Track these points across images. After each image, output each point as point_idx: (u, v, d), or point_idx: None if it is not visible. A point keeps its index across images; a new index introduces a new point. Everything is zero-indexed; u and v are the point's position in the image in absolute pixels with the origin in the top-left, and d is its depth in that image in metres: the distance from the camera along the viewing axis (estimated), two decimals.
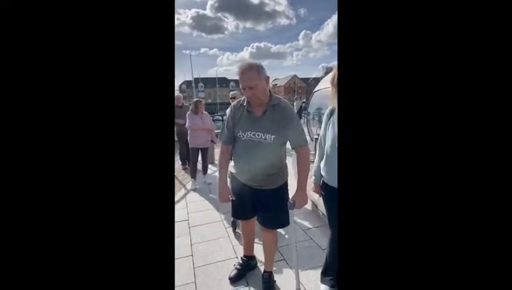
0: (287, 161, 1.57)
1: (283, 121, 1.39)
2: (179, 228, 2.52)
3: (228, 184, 1.58)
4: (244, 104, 1.45)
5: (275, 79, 61.97)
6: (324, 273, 1.62)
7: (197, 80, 37.79)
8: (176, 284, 1.75)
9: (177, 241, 2.29)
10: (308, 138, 6.12)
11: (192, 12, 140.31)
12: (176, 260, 2.01)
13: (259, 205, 1.54)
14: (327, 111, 1.45)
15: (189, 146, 3.70)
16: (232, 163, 1.56)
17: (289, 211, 1.47)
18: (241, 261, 1.85)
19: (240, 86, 1.38)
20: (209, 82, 51.40)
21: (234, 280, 1.74)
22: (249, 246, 1.86)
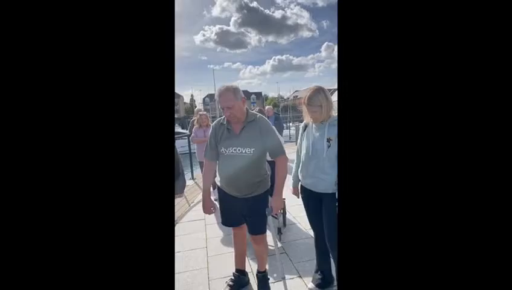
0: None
1: (260, 134, 1.54)
2: (197, 225, 2.91)
3: (215, 196, 1.74)
4: (224, 122, 1.60)
5: (296, 91, 62.17)
6: (316, 271, 1.81)
7: None
8: (192, 269, 2.11)
9: (196, 235, 2.68)
10: None
11: (217, 28, 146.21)
12: (193, 250, 2.39)
13: (247, 212, 1.65)
14: (302, 125, 1.69)
15: (198, 160, 3.76)
16: (218, 177, 1.70)
17: (267, 216, 1.57)
18: (233, 277, 1.85)
19: (219, 106, 1.55)
20: None
21: None
22: (241, 257, 1.87)
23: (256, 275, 1.85)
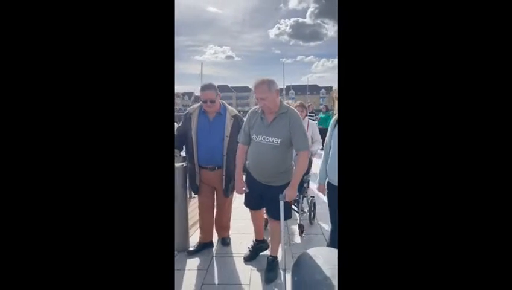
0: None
1: (288, 126, 1.68)
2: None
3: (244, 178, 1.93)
4: (259, 111, 1.79)
5: None
6: None
7: (288, 88, 39.78)
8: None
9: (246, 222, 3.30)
10: None
11: (291, 21, 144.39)
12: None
13: (266, 198, 1.82)
14: (333, 120, 1.73)
15: None
16: (247, 161, 1.88)
17: (280, 201, 1.66)
18: (252, 244, 2.16)
19: (254, 97, 1.72)
20: (300, 89, 52.68)
21: (247, 260, 2.11)
22: (259, 232, 2.16)
23: (267, 257, 1.98)
